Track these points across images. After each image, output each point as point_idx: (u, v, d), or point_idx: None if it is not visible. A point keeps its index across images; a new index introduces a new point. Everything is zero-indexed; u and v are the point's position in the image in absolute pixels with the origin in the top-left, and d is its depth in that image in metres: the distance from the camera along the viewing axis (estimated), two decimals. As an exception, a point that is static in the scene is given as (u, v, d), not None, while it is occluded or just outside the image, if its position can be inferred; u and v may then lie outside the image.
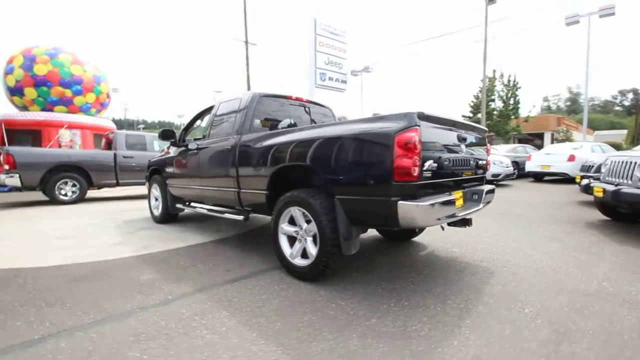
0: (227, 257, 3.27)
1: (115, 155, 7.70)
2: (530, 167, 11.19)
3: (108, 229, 4.57)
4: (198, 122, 4.45)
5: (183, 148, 4.25)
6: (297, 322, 1.99)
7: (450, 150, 2.46)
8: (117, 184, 7.77)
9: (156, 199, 5.00)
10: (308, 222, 2.60)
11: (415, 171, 2.00)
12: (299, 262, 2.66)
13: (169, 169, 4.47)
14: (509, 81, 29.73)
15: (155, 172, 5.01)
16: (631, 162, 3.79)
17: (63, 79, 11.75)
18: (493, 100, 27.25)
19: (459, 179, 2.66)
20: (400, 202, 2.01)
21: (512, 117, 26.40)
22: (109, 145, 8.51)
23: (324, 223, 2.39)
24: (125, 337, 1.83)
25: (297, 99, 3.86)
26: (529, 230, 4.31)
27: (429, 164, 2.13)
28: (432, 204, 2.05)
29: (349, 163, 2.26)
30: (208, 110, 4.18)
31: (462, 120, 2.71)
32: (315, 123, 4.00)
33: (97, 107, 12.96)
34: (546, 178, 11.82)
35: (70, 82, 11.92)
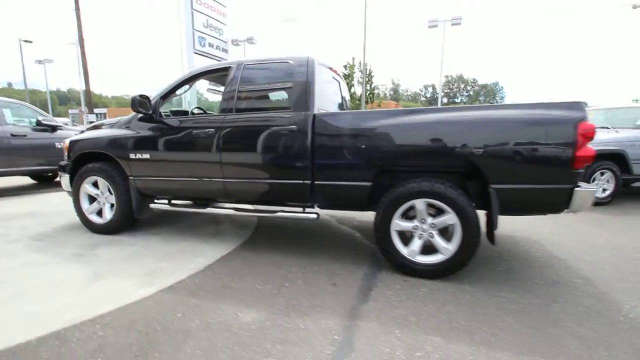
0: (300, 267, 2.62)
1: None
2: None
3: (26, 256, 2.82)
4: (185, 87, 3.16)
5: (169, 125, 2.99)
6: (504, 323, 1.88)
7: None
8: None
9: (93, 200, 3.37)
10: (432, 215, 2.38)
11: (589, 159, 2.10)
12: (424, 259, 2.42)
13: (140, 155, 3.05)
14: (365, 69, 34.25)
15: (91, 159, 3.33)
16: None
17: None
18: (353, 85, 30.71)
19: None
20: (576, 189, 2.10)
21: (369, 101, 30.64)
22: None
23: (472, 215, 2.24)
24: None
25: (333, 70, 3.30)
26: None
27: None
28: (595, 190, 2.22)
29: (518, 151, 2.15)
30: (210, 72, 3.04)
31: None
32: (344, 97, 3.55)
33: None
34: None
35: None
